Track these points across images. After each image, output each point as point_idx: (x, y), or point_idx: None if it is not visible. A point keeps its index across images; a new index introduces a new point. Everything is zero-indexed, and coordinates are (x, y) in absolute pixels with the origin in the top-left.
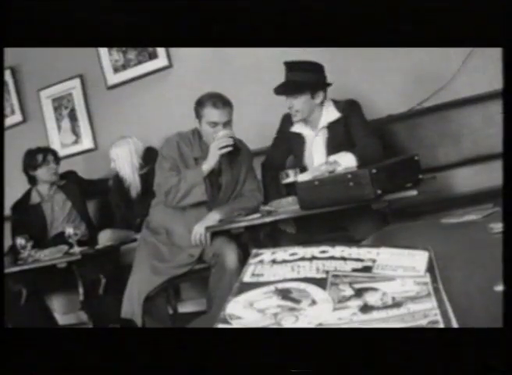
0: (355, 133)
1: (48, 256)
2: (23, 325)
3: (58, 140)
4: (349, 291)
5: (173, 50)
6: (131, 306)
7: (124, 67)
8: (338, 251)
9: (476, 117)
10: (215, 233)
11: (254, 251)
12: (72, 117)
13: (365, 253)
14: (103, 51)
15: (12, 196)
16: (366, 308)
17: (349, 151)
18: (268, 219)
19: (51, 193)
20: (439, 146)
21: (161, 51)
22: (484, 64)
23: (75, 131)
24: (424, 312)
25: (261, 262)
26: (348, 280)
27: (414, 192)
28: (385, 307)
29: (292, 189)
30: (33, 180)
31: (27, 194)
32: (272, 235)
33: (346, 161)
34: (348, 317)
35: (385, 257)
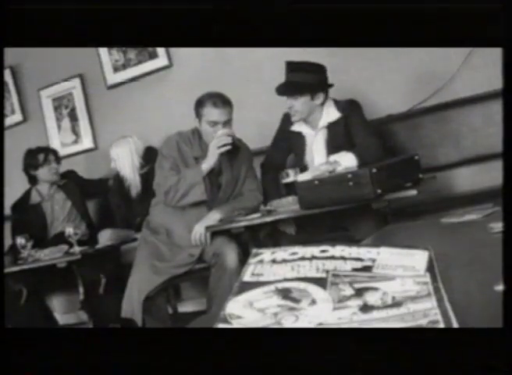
0: (355, 134)
1: (48, 256)
2: (23, 325)
3: (58, 139)
4: (349, 291)
5: (173, 50)
6: (131, 306)
7: (124, 67)
8: (338, 250)
9: (476, 117)
10: (214, 232)
11: (254, 250)
12: (73, 117)
13: (365, 253)
14: (103, 51)
15: (12, 196)
16: (366, 308)
17: (349, 151)
18: (268, 219)
19: (51, 192)
20: (439, 146)
21: (161, 51)
22: (484, 64)
23: (75, 131)
24: (424, 311)
25: (261, 261)
26: (348, 280)
27: (413, 192)
28: (385, 307)
29: (292, 189)
30: (33, 180)
31: (27, 194)
32: (272, 235)
33: (347, 161)
34: (348, 317)
35: (385, 257)
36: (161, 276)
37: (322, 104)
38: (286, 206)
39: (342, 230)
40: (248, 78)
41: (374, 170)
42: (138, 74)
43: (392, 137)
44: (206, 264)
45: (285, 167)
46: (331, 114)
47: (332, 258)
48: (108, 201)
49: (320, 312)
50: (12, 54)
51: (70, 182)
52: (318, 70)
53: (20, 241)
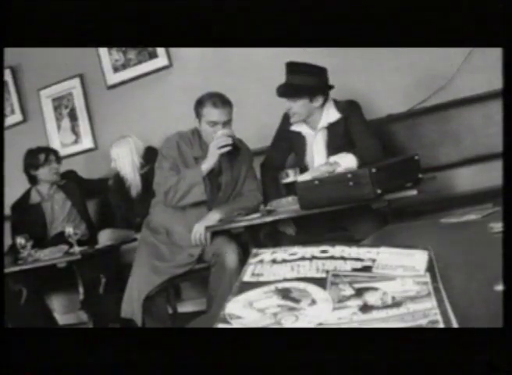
0: (355, 134)
1: (48, 256)
2: (23, 325)
3: (58, 139)
4: (349, 291)
5: (173, 50)
6: (131, 306)
7: (124, 67)
8: (338, 250)
9: (476, 117)
10: (214, 232)
11: (254, 250)
12: (72, 117)
13: (365, 253)
14: (103, 51)
15: (12, 196)
16: (366, 308)
17: (349, 151)
18: (268, 219)
19: (51, 192)
20: (439, 146)
21: (161, 51)
22: (484, 64)
23: (75, 131)
24: (424, 311)
25: (261, 261)
26: (348, 280)
27: (413, 192)
28: (385, 307)
29: (292, 189)
30: (33, 180)
31: (27, 194)
32: (272, 235)
33: (347, 162)
34: (348, 317)
35: (385, 257)
36: (161, 276)
37: (322, 105)
38: (286, 206)
39: (342, 230)
40: (248, 78)
41: (374, 170)
42: (138, 74)
43: (392, 137)
44: (206, 264)
45: (285, 167)
46: (331, 115)
47: (332, 258)
48: (108, 201)
49: (320, 312)
50: (12, 54)
51: (70, 182)
52: (319, 73)
53: (20, 241)
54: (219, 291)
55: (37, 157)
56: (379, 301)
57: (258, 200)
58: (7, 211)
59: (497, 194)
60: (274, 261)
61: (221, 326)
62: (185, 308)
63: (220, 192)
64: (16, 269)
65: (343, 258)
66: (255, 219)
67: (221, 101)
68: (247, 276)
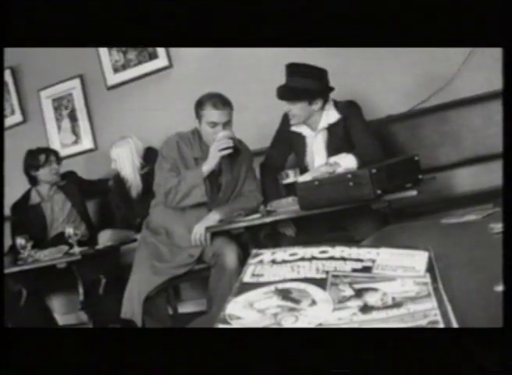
0: (355, 135)
1: (48, 256)
2: (23, 325)
3: (58, 140)
4: (349, 292)
5: (173, 50)
6: (131, 306)
7: (124, 67)
8: (338, 251)
9: (476, 117)
10: (214, 233)
11: (254, 251)
12: (72, 117)
13: (365, 253)
14: (103, 51)
15: (12, 196)
16: (366, 309)
17: (349, 152)
18: (268, 220)
19: (51, 193)
20: (439, 146)
21: (161, 51)
22: (484, 64)
23: (75, 131)
24: (424, 312)
25: (261, 262)
26: (348, 281)
27: (413, 192)
28: (385, 307)
29: (292, 189)
30: (34, 181)
31: (27, 194)
32: (272, 235)
33: (347, 162)
34: (348, 317)
35: (385, 257)
36: (161, 276)
37: (322, 107)
38: (286, 207)
39: (342, 231)
40: (248, 78)
41: (374, 171)
42: (138, 75)
43: (392, 138)
44: (206, 264)
45: (284, 168)
46: (331, 115)
47: (332, 258)
48: (108, 202)
49: (320, 312)
50: (12, 54)
51: (70, 183)
52: (319, 75)
53: (20, 241)
54: (219, 292)
55: (38, 158)
56: (379, 301)
57: (258, 200)
58: (7, 211)
59: (497, 195)
60: (274, 261)
61: (221, 326)
62: (185, 308)
63: (220, 193)
64: (16, 269)
65: (343, 258)
66: (255, 219)
67: (221, 101)
68: (246, 277)
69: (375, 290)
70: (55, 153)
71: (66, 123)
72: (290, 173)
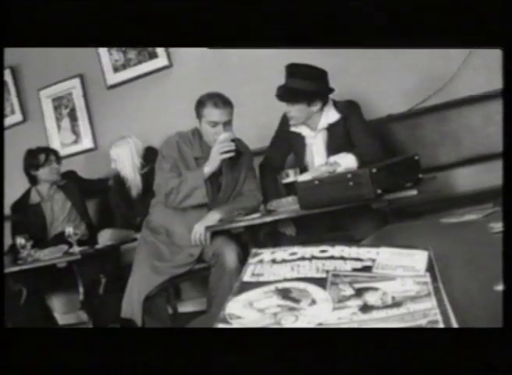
0: (355, 135)
1: (48, 256)
2: (23, 325)
3: (57, 139)
4: (349, 291)
5: (173, 50)
6: (131, 306)
7: (124, 67)
8: (338, 250)
9: (476, 117)
10: (214, 232)
11: (254, 250)
12: (72, 117)
13: (365, 253)
14: (103, 51)
15: (12, 196)
16: (366, 308)
17: (349, 152)
18: (268, 219)
19: (51, 193)
20: (439, 146)
21: (161, 51)
22: (484, 64)
23: (75, 131)
24: (424, 311)
25: (261, 261)
26: (348, 280)
27: (414, 192)
28: (385, 307)
29: (292, 189)
30: (34, 180)
31: (27, 194)
32: (272, 235)
33: (347, 162)
34: (348, 317)
35: (385, 257)
36: (161, 276)
37: (321, 109)
38: (286, 206)
39: (342, 230)
40: (248, 78)
41: (374, 170)
42: (138, 74)
43: (392, 137)
44: (206, 264)
45: (284, 168)
46: (330, 116)
47: (332, 258)
48: (108, 201)
49: (320, 312)
50: (12, 54)
51: (70, 182)
52: (318, 76)
53: (20, 241)
54: (219, 291)
55: (37, 157)
56: (379, 301)
57: (258, 200)
58: (7, 211)
59: (497, 194)
60: (274, 261)
61: (221, 326)
62: (185, 308)
63: (220, 192)
64: (16, 269)
65: (342, 258)
66: (255, 219)
67: (222, 101)
68: (246, 276)
69: (374, 289)
70: (55, 153)
71: (66, 123)
72: (290, 172)
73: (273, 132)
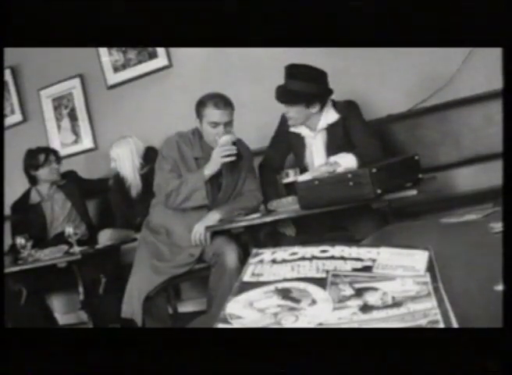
0: (354, 135)
1: (48, 256)
2: (23, 325)
3: (58, 139)
4: (349, 291)
5: (173, 50)
6: (131, 306)
7: (124, 67)
8: (338, 250)
9: (476, 117)
10: (215, 232)
11: (254, 250)
12: (72, 117)
13: (365, 253)
14: (103, 51)
15: (12, 196)
16: (366, 308)
17: (349, 152)
18: (268, 219)
19: (51, 193)
20: (439, 146)
21: (161, 51)
22: (484, 64)
23: (75, 131)
24: (424, 311)
25: (261, 261)
26: (348, 280)
27: (414, 192)
28: (385, 307)
29: (292, 189)
30: (33, 180)
31: (27, 194)
32: (272, 235)
33: (347, 162)
34: (348, 317)
35: (385, 256)
36: (161, 276)
37: (320, 110)
38: (286, 206)
39: (342, 230)
40: (248, 78)
41: (374, 170)
42: (138, 74)
43: (392, 137)
44: (206, 264)
45: (283, 168)
46: (330, 116)
47: (332, 258)
48: (108, 201)
49: (320, 312)
50: (12, 54)
51: (70, 182)
52: (318, 78)
53: (20, 241)
54: (219, 291)
55: (37, 157)
56: (379, 301)
57: (258, 200)
58: (7, 211)
59: (497, 194)
60: (274, 261)
61: (221, 326)
62: (185, 308)
63: (220, 192)
64: (16, 269)
65: (343, 258)
66: (255, 219)
67: (223, 102)
68: (247, 276)
69: (375, 289)
70: (55, 153)
71: (66, 123)
72: (290, 172)
73: (273, 132)
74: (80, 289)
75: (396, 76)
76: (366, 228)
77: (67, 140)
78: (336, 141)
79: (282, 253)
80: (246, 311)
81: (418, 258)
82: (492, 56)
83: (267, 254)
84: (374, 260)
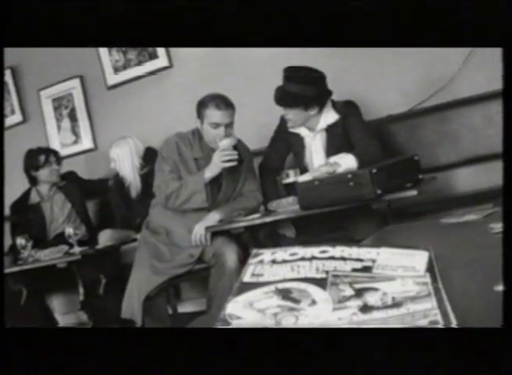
0: (354, 135)
1: (48, 256)
2: (23, 325)
3: (57, 140)
4: (349, 291)
5: (173, 50)
6: (131, 306)
7: (124, 67)
8: (338, 251)
9: (476, 117)
10: (215, 233)
11: (254, 251)
12: (72, 117)
13: (365, 253)
14: (103, 51)
15: (12, 196)
16: (366, 308)
17: (349, 152)
18: (268, 219)
19: (51, 193)
20: (439, 146)
21: (161, 51)
22: (484, 64)
23: (75, 131)
24: (424, 312)
25: (261, 262)
26: (348, 280)
27: (414, 192)
28: (385, 307)
29: (292, 189)
30: (34, 181)
31: (26, 194)
32: (272, 235)
33: (347, 162)
34: (348, 317)
35: (385, 257)
36: (161, 276)
37: (319, 111)
38: (286, 207)
39: (342, 231)
40: (248, 78)
41: (374, 171)
42: (138, 75)
43: (392, 137)
44: (206, 264)
45: (283, 168)
46: (329, 116)
47: (332, 258)
48: (108, 202)
49: (320, 312)
50: (12, 54)
51: (70, 183)
52: (317, 80)
53: (20, 241)
54: (219, 292)
55: (38, 158)
56: (379, 301)
57: (258, 200)
58: (7, 211)
59: (497, 195)
60: (274, 261)
61: (221, 326)
62: (185, 308)
63: (220, 193)
64: (16, 269)
65: (343, 258)
66: (255, 219)
67: (224, 103)
68: (247, 277)
69: (375, 289)
70: (55, 153)
71: (66, 123)
72: (290, 172)
73: (273, 132)
74: (80, 289)
75: (396, 76)
76: (366, 228)
77: (67, 140)
78: (336, 142)
79: (282, 253)
80: (246, 311)
81: (418, 259)
82: (492, 56)
83: (267, 254)
84: (374, 260)
